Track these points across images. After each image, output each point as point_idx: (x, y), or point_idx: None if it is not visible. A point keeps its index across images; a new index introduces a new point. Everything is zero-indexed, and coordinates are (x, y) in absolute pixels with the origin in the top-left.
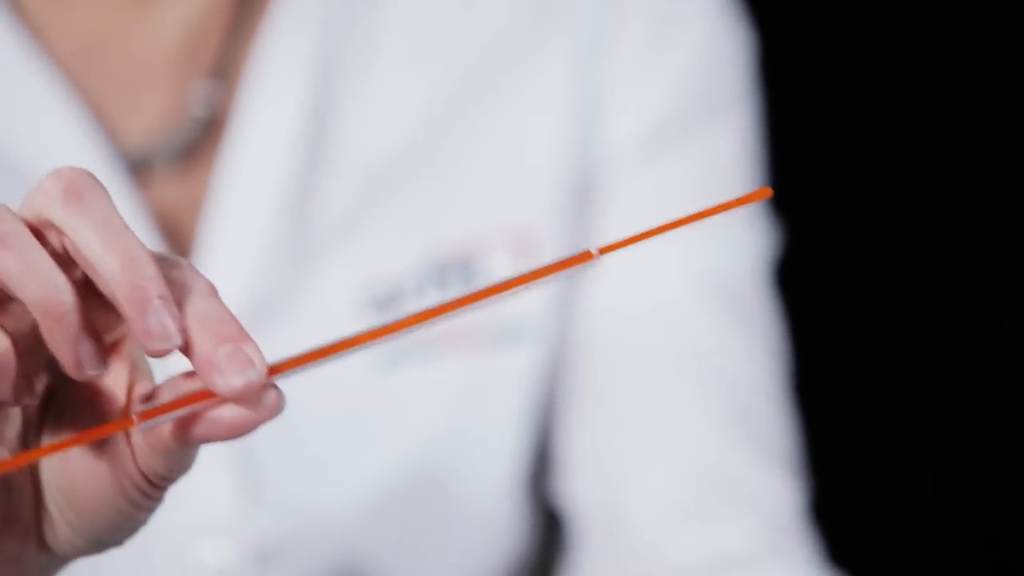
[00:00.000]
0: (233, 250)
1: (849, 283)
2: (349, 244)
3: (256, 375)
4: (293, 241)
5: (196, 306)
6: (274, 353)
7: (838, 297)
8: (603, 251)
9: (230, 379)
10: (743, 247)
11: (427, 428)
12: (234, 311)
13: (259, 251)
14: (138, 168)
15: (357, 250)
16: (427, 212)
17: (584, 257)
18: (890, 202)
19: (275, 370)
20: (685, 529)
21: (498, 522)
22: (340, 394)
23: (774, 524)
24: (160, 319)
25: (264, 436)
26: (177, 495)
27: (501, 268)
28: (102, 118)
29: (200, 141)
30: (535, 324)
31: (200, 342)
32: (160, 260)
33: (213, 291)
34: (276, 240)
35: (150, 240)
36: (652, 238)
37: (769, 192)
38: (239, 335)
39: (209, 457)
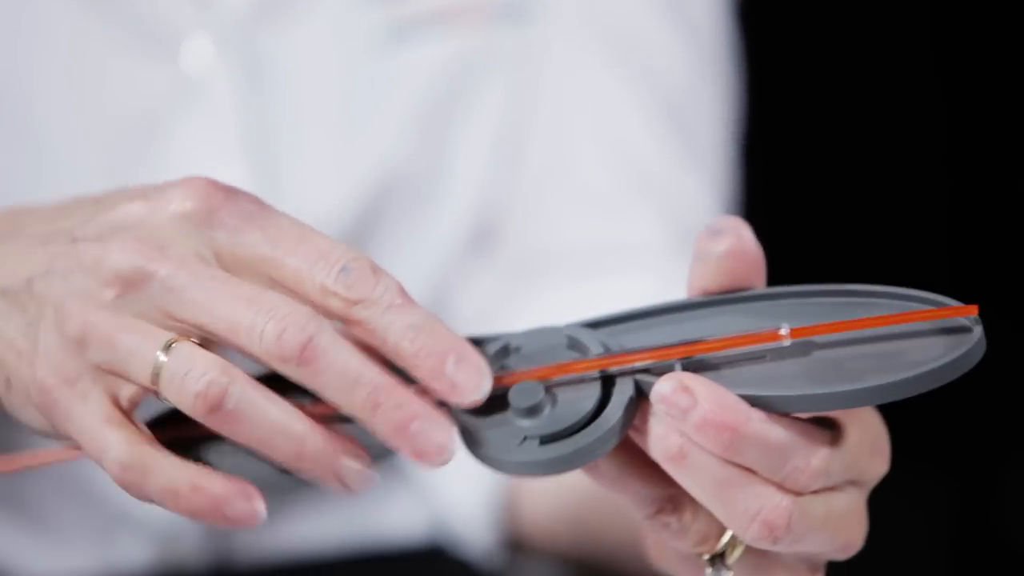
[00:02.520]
0: None
1: None
2: None
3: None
4: None
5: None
6: None
7: None
8: (794, 333)
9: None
10: None
11: (421, 108)
12: None
13: None
14: None
15: None
16: None
17: (772, 336)
18: None
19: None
20: (596, 214)
21: (462, 209)
22: (347, 74)
23: (684, 225)
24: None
25: (276, 123)
26: None
27: None
28: None
29: None
30: (538, 2)
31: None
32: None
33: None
34: None
35: None
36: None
37: (975, 309)
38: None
39: (224, 150)
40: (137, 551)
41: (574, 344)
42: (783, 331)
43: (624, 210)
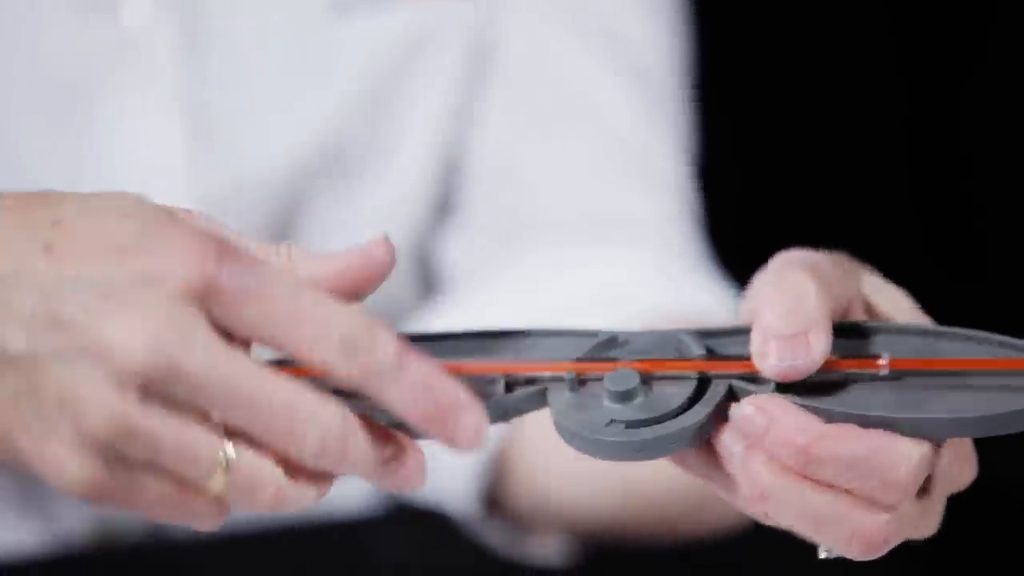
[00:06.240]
0: None
1: None
2: None
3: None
4: None
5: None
6: None
7: None
8: (893, 364)
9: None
10: None
11: (368, 78)
12: None
13: None
14: None
15: None
16: None
17: (869, 363)
18: None
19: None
20: (580, 187)
21: (419, 175)
22: (291, 40)
23: (671, 197)
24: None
25: (215, 83)
26: (130, 145)
27: None
28: None
29: None
30: None
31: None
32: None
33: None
34: None
35: None
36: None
37: None
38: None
39: (161, 109)
40: (77, 524)
41: (680, 346)
42: (882, 360)
43: (609, 183)
